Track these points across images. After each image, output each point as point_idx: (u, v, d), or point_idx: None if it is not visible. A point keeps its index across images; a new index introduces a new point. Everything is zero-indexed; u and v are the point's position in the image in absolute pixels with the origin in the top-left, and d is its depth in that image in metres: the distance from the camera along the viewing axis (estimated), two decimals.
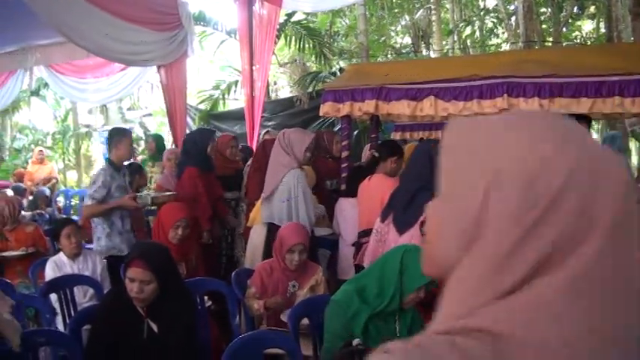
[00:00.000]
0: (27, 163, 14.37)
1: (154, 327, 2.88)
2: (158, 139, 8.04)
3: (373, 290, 2.71)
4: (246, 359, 2.81)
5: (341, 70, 10.93)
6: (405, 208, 3.72)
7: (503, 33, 17.89)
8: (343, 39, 16.07)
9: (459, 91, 5.12)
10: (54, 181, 10.90)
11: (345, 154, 5.75)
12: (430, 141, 5.92)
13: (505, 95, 4.83)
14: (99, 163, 15.53)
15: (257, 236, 4.66)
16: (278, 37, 10.77)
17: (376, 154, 5.06)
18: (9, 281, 4.34)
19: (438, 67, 5.92)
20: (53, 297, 3.97)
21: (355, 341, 2.49)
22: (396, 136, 8.31)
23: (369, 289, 2.72)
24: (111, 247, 4.83)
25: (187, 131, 7.90)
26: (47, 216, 8.04)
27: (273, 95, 14.29)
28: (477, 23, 18.28)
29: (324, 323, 2.81)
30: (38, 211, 7.97)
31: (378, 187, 4.50)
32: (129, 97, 14.13)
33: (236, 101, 13.56)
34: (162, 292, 2.88)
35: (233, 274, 4.08)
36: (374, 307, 2.67)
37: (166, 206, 4.79)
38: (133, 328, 2.87)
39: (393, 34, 18.81)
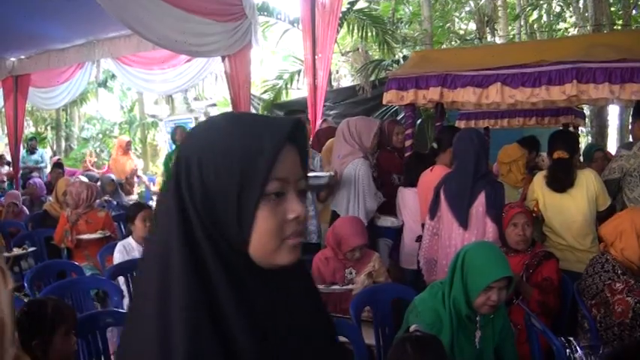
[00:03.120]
0: (98, 152, 14.91)
1: None
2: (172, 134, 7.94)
3: (447, 298, 2.56)
4: None
5: (404, 57, 10.78)
6: (469, 202, 3.63)
7: (570, 17, 17.29)
8: (406, 26, 15.85)
9: (527, 78, 4.95)
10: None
11: (408, 143, 5.66)
12: (472, 129, 5.78)
13: (574, 81, 4.64)
14: (164, 152, 15.91)
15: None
16: (340, 25, 10.72)
17: (435, 146, 4.97)
18: (77, 263, 4.50)
19: (505, 53, 5.76)
20: (121, 279, 4.07)
21: (412, 327, 2.44)
22: (461, 124, 8.11)
23: (446, 297, 2.57)
24: None
25: None
26: (114, 203, 8.24)
27: (335, 84, 14.26)
28: (545, 7, 17.72)
29: (404, 324, 2.68)
30: (106, 197, 8.18)
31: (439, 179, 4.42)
32: (194, 88, 14.38)
33: (299, 90, 13.62)
34: None
35: None
36: (451, 319, 2.53)
37: None
38: None
39: (457, 20, 18.46)
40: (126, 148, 10.81)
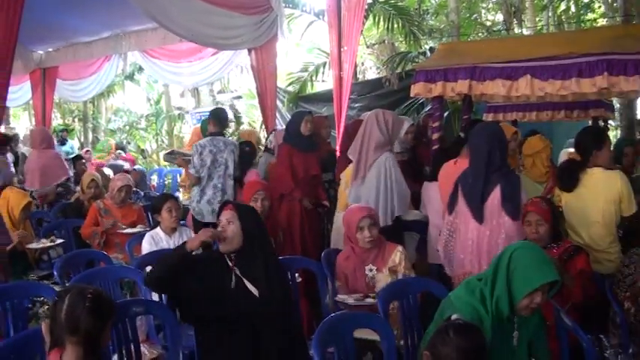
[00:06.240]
0: (125, 143, 15.05)
1: (249, 285, 2.89)
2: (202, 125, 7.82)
3: (489, 298, 2.49)
4: (336, 339, 2.79)
5: (431, 49, 10.69)
6: (482, 195, 3.55)
7: (599, 7, 16.95)
8: (433, 18, 15.70)
9: (557, 70, 4.89)
10: None
11: (436, 136, 5.62)
12: (488, 123, 5.74)
13: (605, 73, 4.57)
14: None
15: (341, 221, 4.61)
16: (366, 17, 10.65)
17: (462, 135, 4.90)
18: (106, 253, 4.54)
19: (534, 45, 5.69)
20: (149, 270, 4.09)
21: (454, 316, 2.42)
22: (488, 117, 8.03)
23: (487, 297, 2.49)
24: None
25: (277, 114, 7.97)
26: (141, 193, 8.28)
27: (360, 76, 14.20)
28: None
29: (437, 318, 2.64)
30: (134, 188, 8.18)
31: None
32: (219, 80, 14.43)
33: (324, 83, 13.58)
34: (248, 244, 2.93)
35: (323, 253, 4.08)
36: (492, 319, 2.46)
37: (248, 181, 5.13)
38: (222, 276, 2.92)
39: (483, 11, 18.22)
40: None
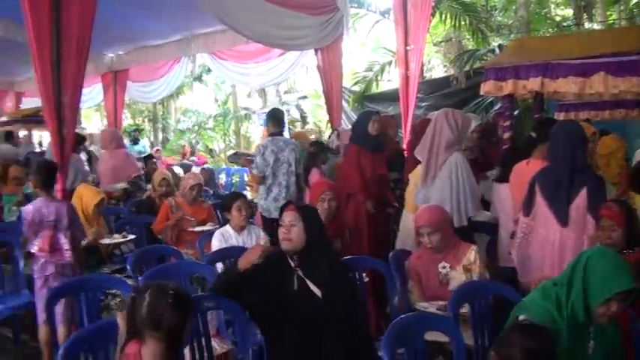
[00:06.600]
0: (193, 143, 15.36)
1: (312, 287, 2.87)
2: None
3: (564, 302, 2.40)
4: (406, 340, 2.76)
5: (500, 47, 10.48)
6: (568, 197, 3.43)
7: None
8: (501, 14, 15.38)
9: (631, 66, 4.71)
10: None
11: (506, 135, 5.51)
12: (570, 122, 5.52)
13: None
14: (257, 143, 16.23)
15: (409, 221, 4.56)
16: (432, 14, 10.55)
17: (534, 135, 4.74)
18: (176, 249, 4.64)
19: (607, 40, 5.51)
20: (219, 266, 4.16)
21: (521, 317, 2.36)
22: (560, 116, 7.81)
23: (563, 301, 2.41)
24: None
25: (342, 113, 8.00)
26: (210, 192, 8.45)
27: (427, 75, 14.06)
28: None
29: (509, 321, 2.54)
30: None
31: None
32: (286, 80, 14.59)
33: (389, 82, 13.51)
34: (311, 245, 2.92)
35: (391, 254, 4.03)
36: (568, 325, 2.37)
37: (315, 181, 5.21)
38: (283, 278, 2.91)
39: (553, 6, 17.73)
40: None
